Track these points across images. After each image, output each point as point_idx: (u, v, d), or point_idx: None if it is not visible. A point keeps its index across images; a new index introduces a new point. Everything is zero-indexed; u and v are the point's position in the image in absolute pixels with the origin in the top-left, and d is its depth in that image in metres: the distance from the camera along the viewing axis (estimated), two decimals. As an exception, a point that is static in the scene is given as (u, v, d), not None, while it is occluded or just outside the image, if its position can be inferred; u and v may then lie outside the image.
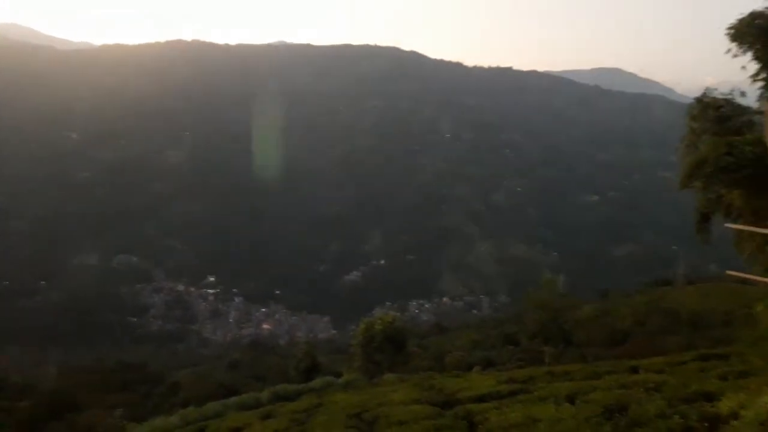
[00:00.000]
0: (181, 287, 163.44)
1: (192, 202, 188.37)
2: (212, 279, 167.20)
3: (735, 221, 16.26)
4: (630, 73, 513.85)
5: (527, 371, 18.16)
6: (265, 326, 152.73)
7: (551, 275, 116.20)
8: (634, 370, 15.45)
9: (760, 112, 15.85)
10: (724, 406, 7.34)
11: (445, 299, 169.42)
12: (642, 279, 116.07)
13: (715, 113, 16.73)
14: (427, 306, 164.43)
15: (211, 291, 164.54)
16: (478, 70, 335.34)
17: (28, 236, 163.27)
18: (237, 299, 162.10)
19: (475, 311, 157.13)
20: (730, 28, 15.30)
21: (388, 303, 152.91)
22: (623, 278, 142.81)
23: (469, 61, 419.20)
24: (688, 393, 9.50)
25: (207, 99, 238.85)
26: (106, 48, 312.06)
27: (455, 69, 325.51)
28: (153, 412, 32.51)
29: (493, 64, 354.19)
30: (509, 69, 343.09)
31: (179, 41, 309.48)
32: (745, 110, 16.56)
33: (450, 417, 11.36)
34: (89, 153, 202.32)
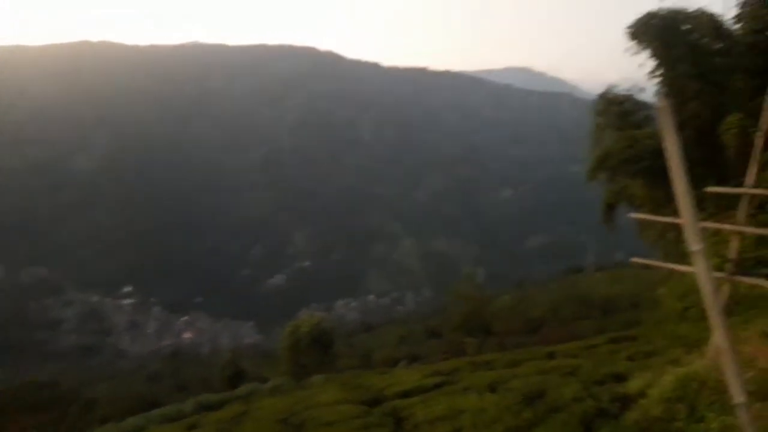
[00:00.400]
0: (95, 299, 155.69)
1: (105, 210, 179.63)
2: (128, 289, 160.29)
3: (638, 210, 17.27)
4: (539, 73, 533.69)
5: (451, 363, 18.55)
6: (186, 335, 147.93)
7: (471, 268, 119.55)
8: (551, 355, 16.12)
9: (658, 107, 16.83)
10: (633, 386, 7.75)
11: (371, 297, 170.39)
12: (555, 267, 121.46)
13: (617, 109, 17.62)
14: (353, 305, 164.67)
15: (127, 301, 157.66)
16: (394, 71, 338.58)
17: None
18: (155, 309, 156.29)
19: (400, 307, 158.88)
20: (628, 28, 16.17)
21: (314, 304, 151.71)
22: (538, 267, 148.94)
23: (386, 62, 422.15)
24: (601, 375, 10.01)
25: (117, 102, 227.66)
26: (4, 50, 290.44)
27: (372, 69, 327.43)
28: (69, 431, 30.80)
29: (409, 65, 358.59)
30: (425, 69, 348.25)
31: (85, 42, 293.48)
32: (644, 105, 17.53)
33: (377, 415, 11.44)
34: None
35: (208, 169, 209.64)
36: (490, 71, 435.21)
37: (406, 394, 12.90)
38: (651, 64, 16.20)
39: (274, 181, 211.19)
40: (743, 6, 15.95)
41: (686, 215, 3.01)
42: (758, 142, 7.51)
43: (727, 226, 8.62)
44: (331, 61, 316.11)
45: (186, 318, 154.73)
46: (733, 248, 7.59)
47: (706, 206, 14.42)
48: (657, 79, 16.26)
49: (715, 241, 12.55)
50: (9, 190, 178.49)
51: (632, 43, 16.04)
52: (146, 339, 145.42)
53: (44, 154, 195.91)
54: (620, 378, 9.20)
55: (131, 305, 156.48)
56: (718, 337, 3.08)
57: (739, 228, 7.53)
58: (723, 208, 13.97)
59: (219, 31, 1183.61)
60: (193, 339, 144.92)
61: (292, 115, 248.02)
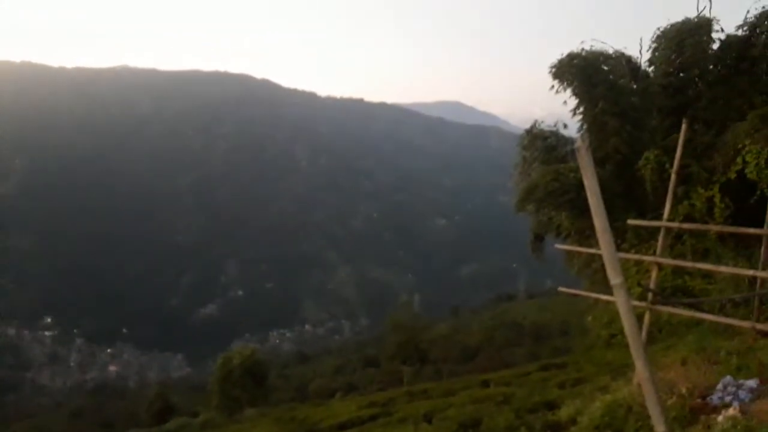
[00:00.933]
0: (12, 331, 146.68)
1: (24, 235, 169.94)
2: (49, 320, 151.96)
3: (564, 240, 17.94)
4: (470, 106, 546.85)
5: (387, 393, 18.52)
6: (111, 368, 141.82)
7: (407, 297, 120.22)
8: (485, 384, 16.36)
9: (581, 142, 17.61)
10: (564, 413, 7.95)
11: (306, 327, 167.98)
12: (488, 295, 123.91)
13: (543, 143, 18.39)
14: (288, 335, 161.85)
15: (48, 333, 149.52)
16: (331, 101, 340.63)
17: None
18: (78, 340, 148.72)
19: (336, 336, 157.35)
20: (552, 67, 16.99)
21: (247, 335, 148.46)
22: (472, 295, 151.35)
23: (322, 92, 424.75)
24: (533, 403, 10.24)
25: (40, 124, 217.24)
26: None
27: (308, 98, 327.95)
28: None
29: (346, 95, 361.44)
30: (361, 100, 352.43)
31: (6, 62, 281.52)
32: (568, 140, 18.35)
33: (312, 449, 11.25)
34: None
35: (136, 194, 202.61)
36: (423, 104, 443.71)
37: (341, 427, 12.79)
38: (574, 101, 17.04)
39: (206, 207, 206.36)
40: (655, 51, 17.08)
41: (606, 251, 3.20)
42: (673, 177, 8.02)
43: (646, 258, 9.11)
44: (267, 88, 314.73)
45: (111, 350, 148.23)
46: (653, 278, 8.01)
47: (627, 237, 15.17)
48: (579, 116, 17.10)
49: (638, 270, 13.20)
50: None
51: (556, 82, 16.82)
52: (68, 373, 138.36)
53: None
54: (552, 406, 9.44)
55: (52, 337, 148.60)
56: (639, 367, 3.25)
57: (657, 259, 7.97)
58: (644, 238, 14.73)
59: (151, 56, 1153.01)
60: (119, 372, 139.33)
61: (225, 140, 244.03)
